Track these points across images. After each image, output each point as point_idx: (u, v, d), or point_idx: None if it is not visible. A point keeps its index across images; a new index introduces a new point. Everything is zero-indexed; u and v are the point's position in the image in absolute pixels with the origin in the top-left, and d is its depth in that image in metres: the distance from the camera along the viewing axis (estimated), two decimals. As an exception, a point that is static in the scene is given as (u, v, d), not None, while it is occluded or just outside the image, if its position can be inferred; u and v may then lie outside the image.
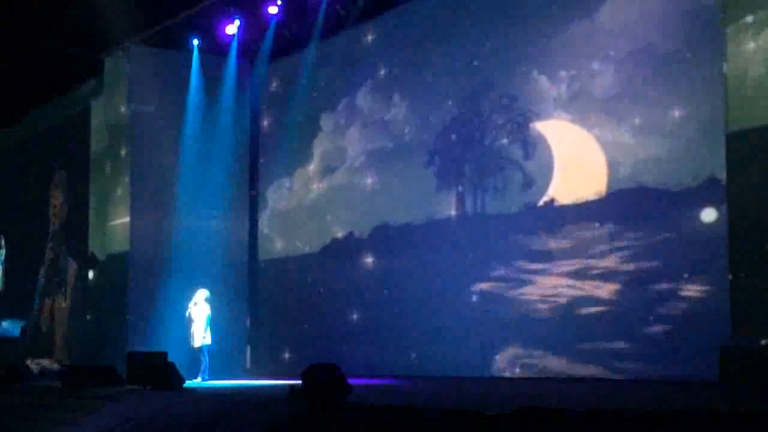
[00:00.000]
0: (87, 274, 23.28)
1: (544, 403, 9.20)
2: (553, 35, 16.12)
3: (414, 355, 18.07)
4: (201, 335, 17.95)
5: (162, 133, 21.01)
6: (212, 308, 18.31)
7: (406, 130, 18.84)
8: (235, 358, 21.23)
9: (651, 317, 14.35)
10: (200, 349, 17.99)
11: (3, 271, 27.56)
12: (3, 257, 27.60)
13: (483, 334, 16.88)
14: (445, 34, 18.07)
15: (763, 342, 11.65)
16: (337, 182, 20.34)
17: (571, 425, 7.97)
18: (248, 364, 21.80)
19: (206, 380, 17.67)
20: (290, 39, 21.05)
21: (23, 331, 25.52)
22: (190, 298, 18.26)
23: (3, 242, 27.67)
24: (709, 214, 13.63)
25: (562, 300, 15.66)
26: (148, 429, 12.38)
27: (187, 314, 18.06)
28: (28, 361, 21.47)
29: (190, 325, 18.05)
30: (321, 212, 20.73)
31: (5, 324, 26.19)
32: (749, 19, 12.09)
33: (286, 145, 21.56)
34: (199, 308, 18.07)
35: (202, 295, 18.19)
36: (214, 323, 18.30)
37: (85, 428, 13.54)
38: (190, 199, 20.93)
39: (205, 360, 17.95)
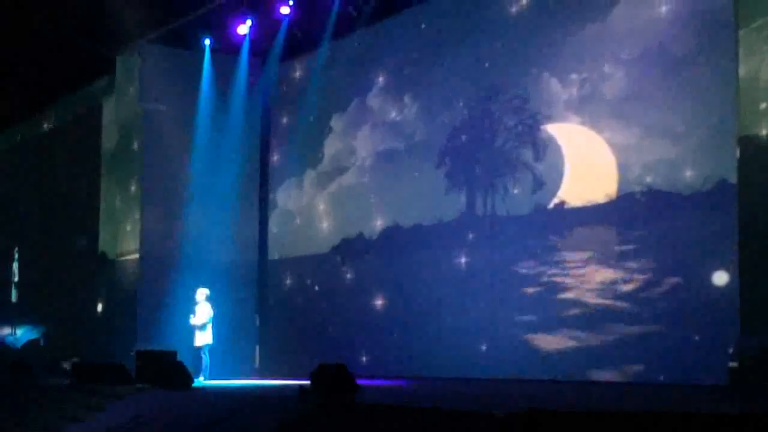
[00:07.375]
0: (97, 273, 23.30)
1: (552, 405, 9.19)
2: (564, 38, 16.11)
3: (422, 356, 18.05)
4: (202, 335, 17.93)
5: (173, 132, 21.04)
6: (221, 308, 18.29)
7: (417, 131, 18.85)
8: (245, 358, 21.27)
9: (660, 319, 14.32)
10: (201, 348, 17.98)
11: (18, 281, 27.50)
12: (17, 268, 27.54)
13: (492, 334, 16.88)
14: (456, 35, 18.07)
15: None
16: (348, 182, 20.36)
17: (579, 427, 7.97)
18: (257, 364, 21.81)
19: (206, 380, 17.64)
20: (302, 39, 21.09)
21: (24, 348, 25.54)
22: (199, 297, 18.29)
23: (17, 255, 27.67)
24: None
25: (572, 301, 15.63)
26: (157, 427, 12.42)
27: (191, 315, 18.06)
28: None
29: (193, 325, 18.06)
30: (331, 212, 20.75)
31: (18, 333, 26.24)
32: (761, 22, 12.06)
33: (297, 145, 21.58)
34: (201, 308, 18.06)
35: (202, 294, 18.17)
36: (223, 323, 18.26)
37: (94, 426, 13.61)
38: (201, 198, 20.95)
39: (206, 360, 17.94)
